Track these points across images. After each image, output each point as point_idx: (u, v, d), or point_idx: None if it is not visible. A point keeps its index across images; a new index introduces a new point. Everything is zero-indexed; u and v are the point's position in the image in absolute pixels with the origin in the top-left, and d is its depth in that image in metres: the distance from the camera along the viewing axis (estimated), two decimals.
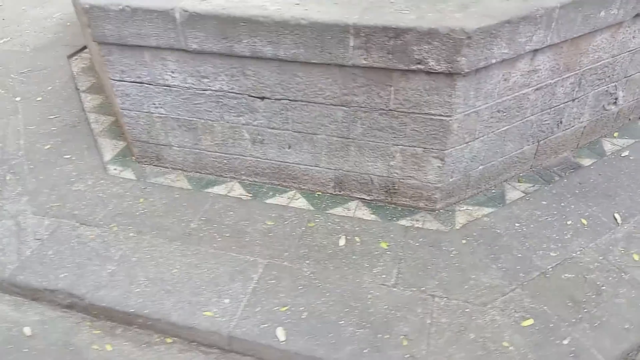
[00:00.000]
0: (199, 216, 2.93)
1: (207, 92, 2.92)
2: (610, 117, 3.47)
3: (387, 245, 2.68)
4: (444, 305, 2.36)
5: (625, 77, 3.27)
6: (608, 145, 3.44)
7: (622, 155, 3.26)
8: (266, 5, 2.56)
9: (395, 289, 2.44)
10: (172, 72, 2.91)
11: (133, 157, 3.48)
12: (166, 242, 2.76)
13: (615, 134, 3.57)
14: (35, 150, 3.57)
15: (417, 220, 2.89)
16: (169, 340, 2.41)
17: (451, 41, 2.30)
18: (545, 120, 3.05)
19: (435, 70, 2.41)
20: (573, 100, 3.08)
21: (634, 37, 3.06)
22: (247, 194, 3.15)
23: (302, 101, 2.77)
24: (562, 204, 2.90)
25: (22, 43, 5.13)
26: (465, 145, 2.77)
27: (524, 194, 3.04)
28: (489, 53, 2.39)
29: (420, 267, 2.55)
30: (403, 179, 2.92)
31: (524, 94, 2.78)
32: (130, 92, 3.11)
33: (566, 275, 2.47)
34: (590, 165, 3.22)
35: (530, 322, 2.26)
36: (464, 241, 2.69)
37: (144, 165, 3.43)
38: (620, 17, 2.79)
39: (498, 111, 2.74)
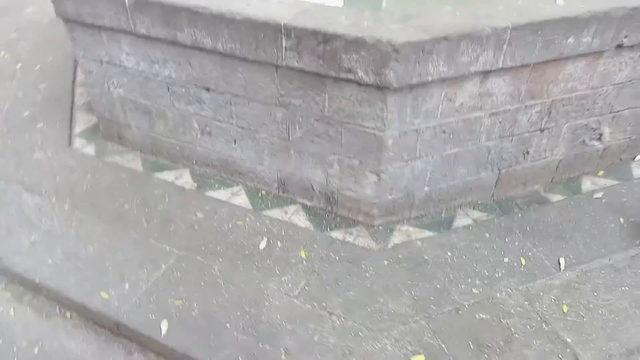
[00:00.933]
0: (136, 199, 2.95)
1: (158, 78, 2.93)
2: (594, 154, 3.19)
3: (306, 255, 2.59)
4: (339, 325, 2.25)
5: (611, 113, 2.99)
6: (587, 184, 3.16)
7: (595, 196, 2.99)
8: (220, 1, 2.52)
9: (295, 301, 2.35)
10: (127, 54, 2.93)
11: (100, 134, 3.56)
12: (95, 220, 2.79)
13: (600, 173, 3.28)
14: (14, 115, 3.73)
15: (351, 234, 2.78)
16: (68, 314, 2.44)
17: (378, 53, 2.17)
18: (507, 148, 2.84)
19: (365, 81, 2.29)
20: (541, 130, 2.85)
21: (619, 70, 2.78)
22: (193, 184, 3.14)
23: (244, 97, 2.72)
24: (507, 239, 2.69)
25: (44, 12, 5.35)
26: (404, 163, 2.62)
27: (473, 222, 2.86)
28: (422, 70, 2.24)
29: (330, 283, 2.44)
30: (341, 190, 2.81)
31: (475, 117, 2.60)
32: (92, 70, 3.17)
33: (481, 315, 2.30)
34: (556, 203, 2.98)
35: (420, 358, 2.12)
36: (386, 262, 2.56)
37: (108, 142, 3.50)
38: (597, 46, 2.54)
39: (443, 132, 2.58)
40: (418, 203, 2.87)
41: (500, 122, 2.69)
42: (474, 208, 2.99)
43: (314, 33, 2.26)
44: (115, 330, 2.33)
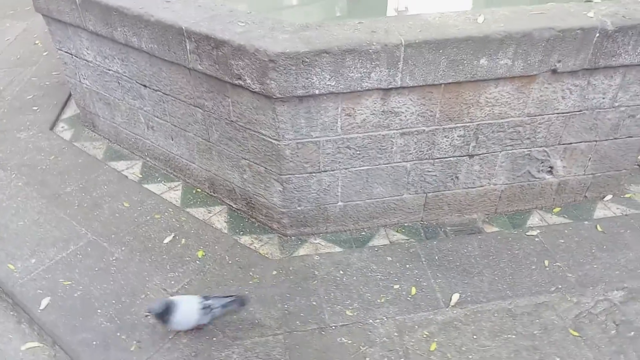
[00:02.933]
0: (79, 183, 3.17)
1: (110, 72, 3.13)
2: (546, 188, 2.92)
3: (203, 255, 2.65)
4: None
5: (560, 144, 2.73)
6: (534, 219, 2.91)
7: (527, 234, 2.74)
8: (142, 2, 2.65)
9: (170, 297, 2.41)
10: (87, 48, 3.17)
11: (81, 121, 3.86)
12: (38, 198, 3.05)
13: (556, 210, 2.99)
14: (20, 98, 4.15)
15: (260, 241, 2.79)
16: None
17: (258, 61, 2.18)
18: (430, 171, 2.69)
19: (252, 89, 2.30)
20: (470, 156, 2.67)
21: (563, 98, 2.54)
22: (139, 175, 3.32)
23: (171, 96, 2.84)
24: (408, 266, 2.56)
25: None
26: (308, 175, 2.59)
27: (388, 244, 2.75)
28: (307, 82, 2.21)
29: (211, 284, 2.48)
30: (255, 196, 2.83)
31: (384, 135, 2.50)
32: (67, 61, 3.46)
33: (343, 339, 2.22)
34: (488, 235, 2.77)
35: None
36: (275, 272, 2.54)
37: (85, 129, 3.79)
38: (521, 70, 2.35)
39: (347, 148, 2.51)
40: (334, 218, 2.81)
41: (415, 143, 2.56)
42: (397, 230, 2.87)
43: (207, 38, 2.31)
44: (10, 300, 2.53)
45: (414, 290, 2.43)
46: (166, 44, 2.53)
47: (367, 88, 2.28)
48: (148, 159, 3.43)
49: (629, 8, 2.42)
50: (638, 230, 2.73)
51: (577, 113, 2.61)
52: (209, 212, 2.99)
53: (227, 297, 2.24)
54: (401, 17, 2.36)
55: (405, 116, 2.45)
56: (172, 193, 3.14)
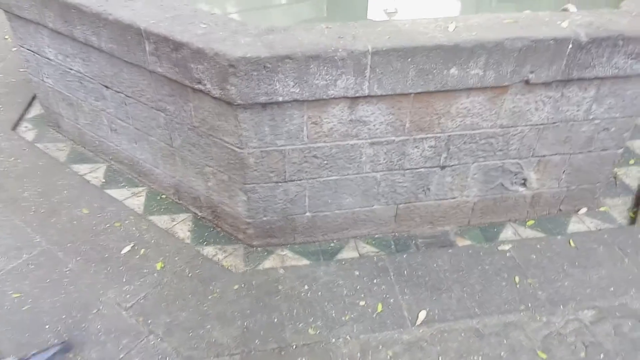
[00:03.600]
0: (38, 187, 3.03)
1: (72, 72, 2.99)
2: (520, 201, 2.86)
3: (162, 267, 2.53)
4: (151, 345, 2.16)
5: (534, 157, 2.66)
6: (508, 233, 2.84)
7: (499, 248, 2.66)
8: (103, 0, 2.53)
9: (124, 313, 2.30)
10: (48, 46, 3.02)
11: (45, 121, 3.71)
12: None
13: (530, 222, 2.93)
14: None
15: (224, 252, 2.68)
16: None
17: (217, 66, 2.07)
18: (400, 182, 2.61)
19: (213, 94, 2.19)
20: (442, 167, 2.59)
21: (536, 110, 2.46)
22: (102, 179, 3.18)
23: (132, 98, 2.71)
24: (375, 281, 2.47)
25: None
26: (274, 184, 2.48)
27: (357, 257, 2.65)
28: (269, 88, 2.11)
29: (169, 299, 2.36)
30: (220, 204, 2.72)
31: (352, 145, 2.41)
32: (29, 59, 3.31)
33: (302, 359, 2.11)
34: (459, 248, 2.69)
35: None
36: (236, 287, 2.43)
37: (50, 130, 3.64)
38: (492, 80, 2.27)
39: (314, 157, 2.41)
40: (301, 228, 2.71)
41: (385, 153, 2.47)
42: (367, 242, 2.78)
43: (166, 39, 2.19)
44: None
45: (380, 307, 2.34)
46: (125, 45, 2.41)
47: (333, 96, 2.18)
48: (112, 162, 3.30)
49: (605, 18, 2.36)
50: (610, 247, 2.67)
51: (551, 125, 2.55)
52: (173, 220, 2.87)
53: (48, 349, 2.07)
54: (370, 23, 2.27)
55: (374, 125, 2.36)
56: (136, 199, 3.01)
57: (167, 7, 2.42)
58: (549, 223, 2.91)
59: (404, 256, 2.62)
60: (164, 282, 2.45)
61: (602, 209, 3.01)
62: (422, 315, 2.30)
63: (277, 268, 2.55)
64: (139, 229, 2.75)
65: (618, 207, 3.02)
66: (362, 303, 2.36)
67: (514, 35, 2.17)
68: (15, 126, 3.66)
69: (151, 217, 2.87)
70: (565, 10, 2.63)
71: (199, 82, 2.21)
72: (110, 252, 2.60)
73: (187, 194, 2.89)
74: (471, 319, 2.29)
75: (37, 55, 3.19)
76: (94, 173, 3.22)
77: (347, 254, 2.69)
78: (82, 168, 3.26)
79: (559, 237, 2.75)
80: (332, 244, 2.77)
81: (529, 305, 2.35)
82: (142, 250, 2.62)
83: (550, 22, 2.31)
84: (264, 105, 2.19)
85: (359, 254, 2.69)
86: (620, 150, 2.77)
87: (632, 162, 3.38)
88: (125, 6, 2.44)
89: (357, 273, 2.51)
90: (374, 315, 2.30)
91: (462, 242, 2.77)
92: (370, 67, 2.12)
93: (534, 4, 4.54)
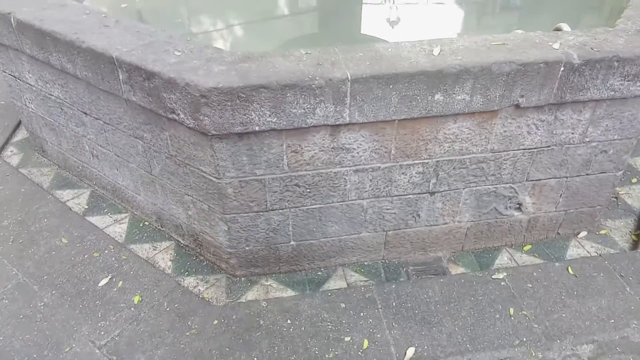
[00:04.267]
0: (18, 216, 2.95)
1: (52, 97, 2.92)
2: (515, 225, 2.74)
3: (139, 301, 2.43)
4: None
5: (529, 181, 2.54)
6: (503, 259, 2.72)
7: (493, 277, 2.54)
8: (77, 22, 2.45)
9: (97, 351, 2.20)
10: (28, 72, 2.96)
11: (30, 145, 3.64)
12: None
13: (526, 247, 2.81)
14: None
15: (206, 283, 2.58)
16: None
17: (189, 96, 1.98)
18: (388, 209, 2.50)
19: (187, 124, 2.10)
20: (431, 193, 2.48)
21: (528, 134, 2.35)
22: (84, 206, 3.10)
23: (111, 125, 2.63)
24: (363, 314, 2.36)
25: None
26: (255, 214, 2.39)
27: (345, 287, 2.54)
28: (245, 118, 2.01)
29: (145, 336, 2.26)
30: (202, 233, 2.62)
31: (335, 172, 2.31)
32: (11, 84, 3.24)
33: None
34: (452, 276, 2.58)
35: None
36: (216, 322, 2.33)
37: (35, 154, 3.57)
38: (480, 105, 2.16)
39: (296, 185, 2.31)
40: (286, 257, 2.61)
41: (371, 180, 2.36)
42: (356, 270, 2.67)
43: (138, 69, 2.11)
44: None
45: (366, 344, 2.22)
46: (99, 73, 2.33)
47: (312, 124, 2.09)
48: (96, 187, 3.22)
49: (599, 38, 2.24)
50: (611, 273, 2.54)
51: (545, 149, 2.43)
52: (154, 249, 2.78)
53: None
54: (351, 48, 2.17)
55: (358, 153, 2.25)
56: (117, 227, 2.92)
57: (143, 34, 2.34)
58: (546, 248, 2.78)
59: (393, 286, 2.50)
60: (140, 318, 2.35)
61: (602, 232, 2.88)
62: (411, 352, 2.18)
63: (259, 300, 2.45)
64: (118, 260, 2.66)
65: (620, 230, 2.89)
66: (347, 339, 2.24)
67: (501, 59, 2.07)
68: (0, 150, 3.60)
69: (132, 246, 2.78)
70: (558, 29, 2.52)
71: (173, 112, 2.12)
72: (87, 285, 2.51)
73: (169, 222, 2.80)
74: (462, 355, 2.17)
75: (18, 81, 3.13)
76: (77, 199, 3.14)
77: (335, 283, 2.58)
78: (65, 194, 3.18)
79: (556, 263, 2.62)
80: (319, 273, 2.66)
81: (524, 339, 2.23)
82: (120, 283, 2.52)
83: (541, 43, 2.20)
84: (240, 135, 2.09)
85: (347, 284, 2.58)
86: (620, 173, 2.64)
87: (634, 180, 3.25)
88: (101, 33, 2.36)
89: (343, 305, 2.40)
90: (359, 352, 2.19)
91: (455, 270, 2.65)
92: (350, 94, 2.02)
93: (533, 15, 4.45)
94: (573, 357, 2.15)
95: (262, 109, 2.00)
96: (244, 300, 2.46)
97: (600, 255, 2.69)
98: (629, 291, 2.44)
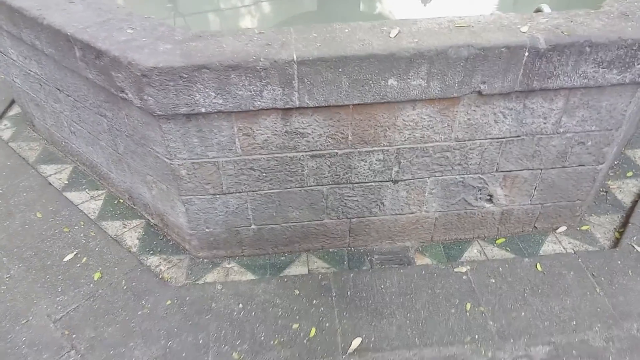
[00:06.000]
0: (0, 189, 3.03)
1: (32, 73, 2.96)
2: (487, 217, 2.63)
3: (99, 277, 2.47)
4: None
5: (499, 172, 2.43)
6: (473, 251, 2.63)
7: (455, 270, 2.46)
8: (44, 2, 2.45)
9: (52, 325, 2.26)
10: (10, 47, 3.00)
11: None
12: None
13: (499, 240, 2.70)
14: None
15: (169, 262, 2.60)
16: None
17: (132, 75, 1.96)
18: (350, 196, 2.44)
19: (135, 104, 2.09)
20: (394, 182, 2.40)
21: (495, 122, 2.23)
22: (65, 181, 3.16)
23: (80, 103, 2.65)
24: (315, 302, 2.33)
25: None
26: (211, 197, 2.37)
27: (306, 273, 2.52)
28: (189, 99, 1.98)
29: (99, 313, 2.30)
30: (165, 214, 2.63)
31: (291, 157, 2.26)
32: (0, 59, 3.30)
33: None
34: (416, 267, 2.51)
35: None
36: (169, 302, 2.35)
37: (27, 128, 3.65)
38: (438, 91, 2.06)
39: (251, 169, 2.28)
40: (248, 241, 2.59)
41: (329, 166, 2.31)
42: (320, 256, 2.63)
43: (89, 46, 2.10)
44: None
45: (313, 332, 2.20)
46: (61, 50, 2.34)
47: (261, 107, 2.03)
48: (78, 163, 3.27)
49: (575, 21, 2.09)
50: (583, 272, 2.42)
51: (515, 139, 2.31)
52: (124, 227, 2.81)
53: None
54: (307, 28, 2.09)
55: (313, 138, 2.19)
56: (93, 203, 2.97)
57: (104, 11, 2.32)
58: (521, 242, 2.67)
59: (351, 275, 2.45)
60: (97, 294, 2.39)
61: (584, 227, 2.74)
62: (356, 343, 2.14)
63: (215, 283, 2.45)
64: (85, 236, 2.70)
65: (603, 226, 2.74)
66: (295, 326, 2.22)
67: (459, 42, 1.95)
68: None
69: (103, 223, 2.82)
70: (539, 11, 2.36)
71: (122, 91, 2.10)
72: (53, 260, 2.57)
73: (139, 200, 2.82)
74: (408, 349, 2.11)
75: (5, 56, 3.18)
76: (59, 174, 3.19)
77: (296, 269, 2.55)
78: (48, 169, 3.24)
79: (526, 259, 2.52)
80: (282, 258, 2.64)
81: (476, 337, 2.15)
82: (84, 259, 2.57)
83: (509, 26, 2.07)
84: (188, 116, 2.06)
85: (308, 270, 2.54)
86: (602, 166, 2.49)
87: (630, 174, 3.07)
88: (64, 9, 2.36)
89: (297, 292, 2.37)
90: (305, 341, 2.16)
91: (421, 260, 2.58)
92: (298, 77, 1.95)
93: None
94: (525, 358, 2.07)
95: (207, 90, 1.96)
96: (201, 282, 2.46)
97: (575, 252, 2.57)
98: (598, 292, 2.32)
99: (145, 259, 2.61)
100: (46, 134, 3.44)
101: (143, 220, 2.86)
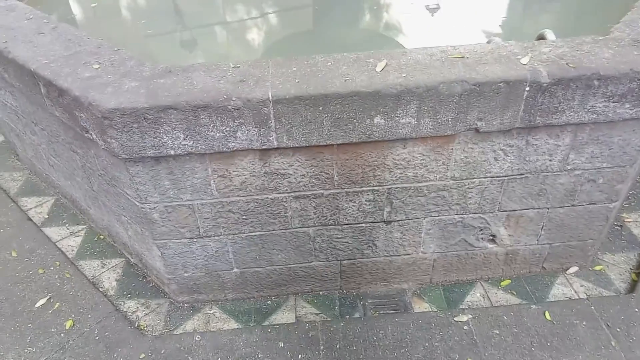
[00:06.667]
0: None
1: (8, 105, 2.82)
2: (491, 258, 2.42)
3: (71, 326, 2.31)
4: None
5: (501, 211, 2.23)
6: (475, 295, 2.42)
7: (456, 319, 2.25)
8: (15, 28, 2.32)
9: None
10: None
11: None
12: None
13: (505, 282, 2.49)
14: None
15: (147, 307, 2.43)
16: None
17: (94, 116, 1.80)
18: (339, 238, 2.25)
19: (101, 145, 1.92)
20: (387, 222, 2.21)
21: (495, 160, 2.03)
22: (45, 215, 3.01)
23: (53, 137, 2.50)
24: (301, 356, 2.13)
25: None
26: (188, 240, 2.20)
27: (294, 321, 2.33)
28: (156, 141, 1.81)
29: None
30: (143, 255, 2.46)
31: (272, 199, 2.08)
32: None
33: None
34: (413, 314, 2.31)
35: None
36: (142, 356, 2.17)
37: (12, 157, 3.53)
38: (429, 129, 1.87)
39: (230, 212, 2.10)
40: (231, 285, 2.41)
41: (315, 207, 2.12)
42: (309, 300, 2.44)
43: (51, 84, 1.95)
44: None
45: None
46: (27, 85, 2.19)
47: (236, 148, 1.86)
48: (60, 195, 3.12)
49: (582, 50, 1.89)
50: (596, 322, 2.19)
51: (518, 177, 2.10)
52: (103, 266, 2.65)
53: None
54: (286, 62, 1.92)
55: (295, 178, 2.01)
56: (72, 240, 2.81)
57: (73, 42, 2.17)
58: (528, 284, 2.45)
59: (341, 324, 2.26)
60: (67, 345, 2.22)
61: (597, 267, 2.52)
62: None
63: (194, 333, 2.26)
64: (61, 278, 2.54)
65: (618, 266, 2.51)
66: None
67: (452, 77, 1.76)
68: None
69: (81, 262, 2.66)
70: (542, 37, 2.17)
71: (87, 132, 1.95)
72: (24, 305, 2.41)
73: (118, 239, 2.66)
74: None
75: None
76: (39, 208, 3.05)
77: (282, 315, 2.36)
78: (29, 202, 3.10)
79: (533, 306, 2.30)
80: (268, 302, 2.45)
81: None
82: (57, 304, 2.41)
83: (507, 57, 1.87)
84: (157, 158, 1.89)
85: (296, 317, 2.35)
86: (615, 204, 2.27)
87: None
88: (30, 42, 2.21)
89: (281, 345, 2.18)
90: None
91: (419, 305, 2.37)
92: (275, 117, 1.77)
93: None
94: None
95: (175, 132, 1.79)
96: (178, 332, 2.28)
97: (588, 297, 2.34)
98: (614, 345, 2.10)
99: (122, 303, 2.44)
100: (29, 164, 3.30)
101: (123, 259, 2.69)
